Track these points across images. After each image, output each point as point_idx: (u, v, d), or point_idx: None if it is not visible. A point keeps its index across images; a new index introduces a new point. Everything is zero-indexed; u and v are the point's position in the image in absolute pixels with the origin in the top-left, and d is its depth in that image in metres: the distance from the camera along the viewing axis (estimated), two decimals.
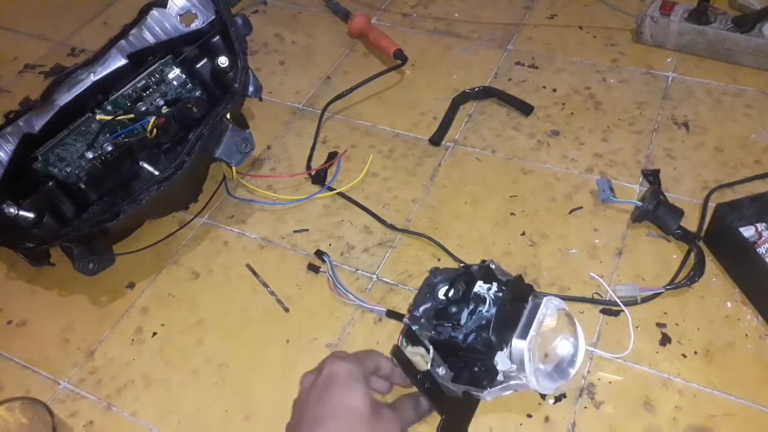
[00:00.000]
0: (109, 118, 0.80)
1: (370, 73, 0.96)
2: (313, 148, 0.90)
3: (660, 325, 0.67)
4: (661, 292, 0.69)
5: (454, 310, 0.55)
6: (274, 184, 0.87)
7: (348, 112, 0.96)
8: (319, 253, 0.77)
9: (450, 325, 0.56)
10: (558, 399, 0.63)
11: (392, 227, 0.79)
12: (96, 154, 0.80)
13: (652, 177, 0.79)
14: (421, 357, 0.55)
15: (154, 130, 0.79)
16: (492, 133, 0.90)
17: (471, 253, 0.75)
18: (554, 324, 0.57)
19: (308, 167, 0.88)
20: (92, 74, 0.80)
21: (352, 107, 0.96)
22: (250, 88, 0.82)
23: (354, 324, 0.71)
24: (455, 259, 0.75)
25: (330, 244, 0.78)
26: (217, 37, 0.84)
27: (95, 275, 0.75)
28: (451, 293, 0.56)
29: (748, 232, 0.71)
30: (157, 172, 0.75)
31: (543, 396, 0.63)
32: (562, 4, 1.10)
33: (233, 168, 0.82)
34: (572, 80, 0.96)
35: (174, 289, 0.76)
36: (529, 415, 0.62)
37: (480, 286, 0.58)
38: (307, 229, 0.81)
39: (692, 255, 0.72)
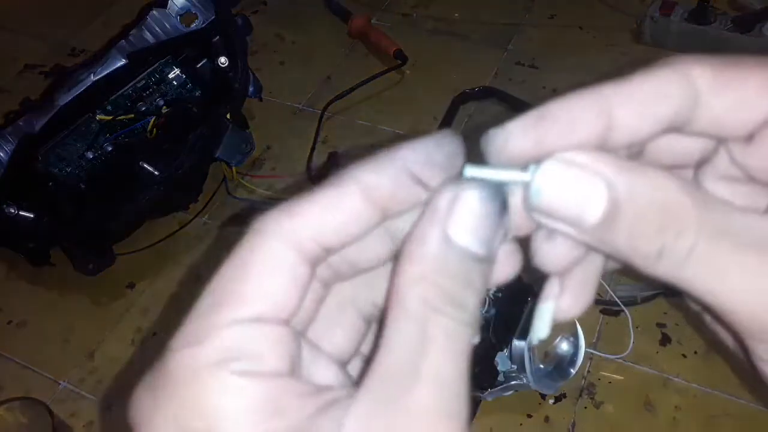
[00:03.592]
0: (109, 118, 0.80)
1: (370, 73, 0.96)
2: (313, 148, 0.90)
3: (660, 325, 0.67)
4: (661, 292, 0.69)
5: None
6: (274, 184, 0.87)
7: (348, 112, 0.95)
8: None
9: None
10: (558, 399, 0.63)
11: None
12: (96, 154, 0.80)
13: None
14: None
15: (154, 130, 0.79)
16: None
17: None
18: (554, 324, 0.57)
19: (308, 167, 0.88)
20: (92, 74, 0.80)
21: (352, 107, 0.96)
22: (250, 88, 0.82)
23: None
24: None
25: None
26: (217, 37, 0.84)
27: (95, 275, 0.75)
28: None
29: None
30: (157, 172, 0.75)
31: (543, 396, 0.63)
32: (562, 4, 1.10)
33: (233, 168, 0.82)
34: (572, 80, 0.96)
35: (174, 290, 0.76)
36: (530, 415, 0.62)
37: None
38: None
39: None
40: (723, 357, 0.64)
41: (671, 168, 0.23)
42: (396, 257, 0.21)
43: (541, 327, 0.23)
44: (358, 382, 0.19)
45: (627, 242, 0.19)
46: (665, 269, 0.19)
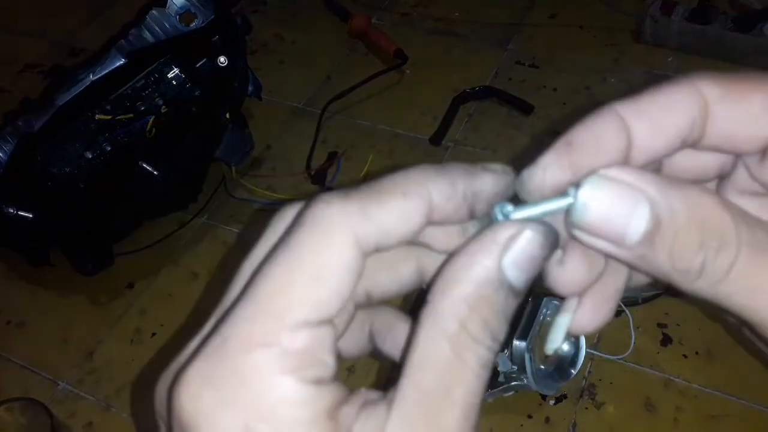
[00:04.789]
0: (109, 117, 0.80)
1: (370, 72, 0.96)
2: (312, 148, 0.90)
3: (661, 325, 0.67)
4: (662, 293, 0.69)
5: None
6: (273, 183, 0.87)
7: (348, 112, 0.95)
8: None
9: None
10: (559, 400, 0.63)
11: None
12: (95, 154, 0.80)
13: None
14: None
15: (153, 129, 0.78)
16: (492, 133, 0.89)
17: None
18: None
19: (308, 167, 0.88)
20: (91, 74, 0.80)
21: (352, 107, 0.96)
22: (250, 88, 0.82)
23: None
24: None
25: None
26: (217, 36, 0.84)
27: (94, 275, 0.75)
28: None
29: None
30: (156, 172, 0.75)
31: (544, 397, 0.63)
32: (562, 4, 1.10)
33: (233, 167, 0.82)
34: (572, 80, 0.96)
35: (173, 290, 0.76)
36: (530, 416, 0.62)
37: None
38: None
39: None
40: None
41: (695, 181, 0.23)
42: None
43: (555, 338, 0.24)
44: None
45: (668, 259, 0.19)
46: (705, 285, 0.19)
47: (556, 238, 0.20)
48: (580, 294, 0.23)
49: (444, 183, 0.20)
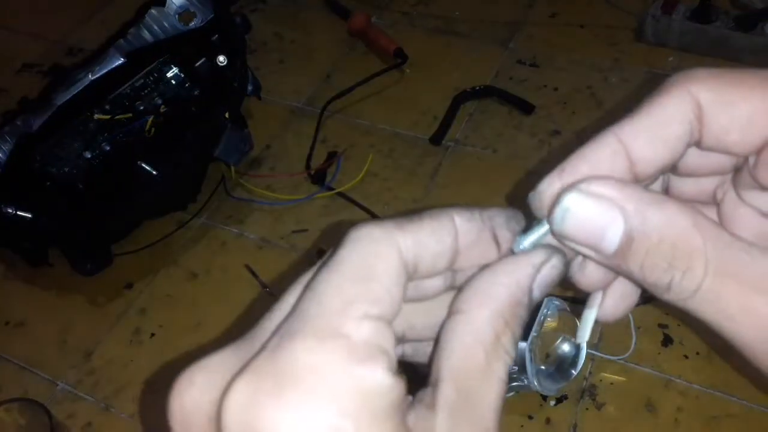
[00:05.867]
0: (108, 117, 0.80)
1: (370, 72, 0.96)
2: (312, 148, 0.90)
3: (662, 326, 0.67)
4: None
5: None
6: (273, 183, 0.86)
7: (348, 112, 0.95)
8: (321, 253, 0.76)
9: None
10: (559, 400, 0.63)
11: None
12: (94, 154, 0.80)
13: None
14: None
15: (152, 129, 0.78)
16: (493, 133, 0.89)
17: None
18: (555, 324, 0.57)
19: (307, 167, 0.88)
20: (90, 74, 0.79)
21: (352, 106, 0.96)
22: (249, 87, 0.82)
23: None
24: None
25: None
26: (216, 35, 0.84)
27: (93, 275, 0.75)
28: None
29: None
30: (155, 172, 0.75)
31: (544, 397, 0.63)
32: (563, 3, 1.10)
33: (232, 167, 0.81)
34: (573, 79, 0.96)
35: (172, 290, 0.76)
36: (531, 417, 0.62)
37: None
38: (306, 230, 0.80)
39: None
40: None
41: (711, 175, 0.24)
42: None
43: (584, 332, 0.26)
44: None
45: (639, 272, 0.21)
46: (673, 299, 0.21)
47: (569, 265, 0.23)
48: (604, 289, 0.24)
49: (462, 209, 0.22)
